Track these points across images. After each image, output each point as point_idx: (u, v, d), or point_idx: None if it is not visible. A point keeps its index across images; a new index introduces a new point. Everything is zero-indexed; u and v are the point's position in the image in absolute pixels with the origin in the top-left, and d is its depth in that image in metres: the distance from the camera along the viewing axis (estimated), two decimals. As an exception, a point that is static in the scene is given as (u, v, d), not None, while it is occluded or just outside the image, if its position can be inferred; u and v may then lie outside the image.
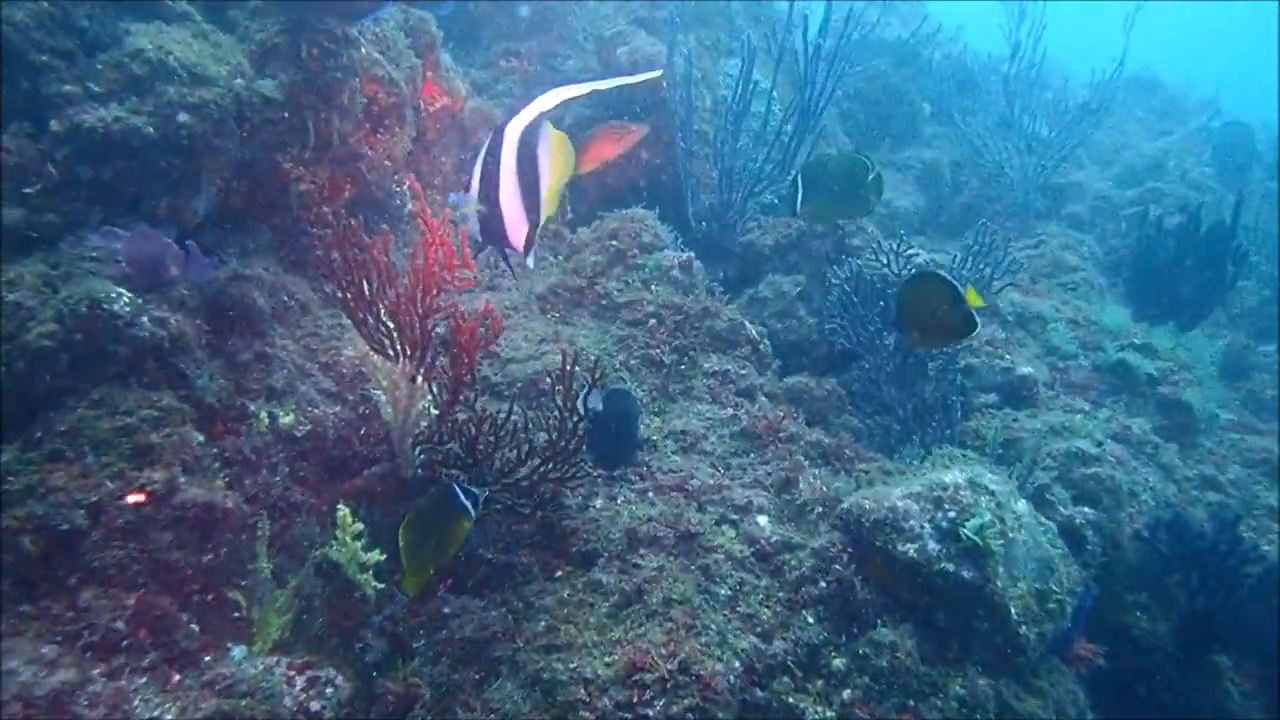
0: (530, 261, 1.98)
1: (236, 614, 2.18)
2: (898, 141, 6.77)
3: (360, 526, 2.17)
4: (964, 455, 2.78)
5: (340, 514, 2.17)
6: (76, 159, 2.48)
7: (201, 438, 2.36)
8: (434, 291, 2.29)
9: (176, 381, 2.35)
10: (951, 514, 2.34)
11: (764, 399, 3.22)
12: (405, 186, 3.65)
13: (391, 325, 2.32)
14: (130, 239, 2.44)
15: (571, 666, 2.08)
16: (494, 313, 2.32)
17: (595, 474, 2.57)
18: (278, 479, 2.46)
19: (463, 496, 2.08)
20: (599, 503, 2.57)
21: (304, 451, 2.56)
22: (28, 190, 2.44)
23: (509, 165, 1.97)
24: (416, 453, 2.51)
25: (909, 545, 2.33)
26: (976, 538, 2.26)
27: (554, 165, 2.07)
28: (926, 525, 2.35)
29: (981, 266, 3.34)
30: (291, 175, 2.99)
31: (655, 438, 2.88)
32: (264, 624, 2.10)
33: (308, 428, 2.58)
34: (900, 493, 2.43)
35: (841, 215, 3.61)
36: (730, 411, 3.05)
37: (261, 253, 2.89)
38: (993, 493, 2.40)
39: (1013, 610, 2.28)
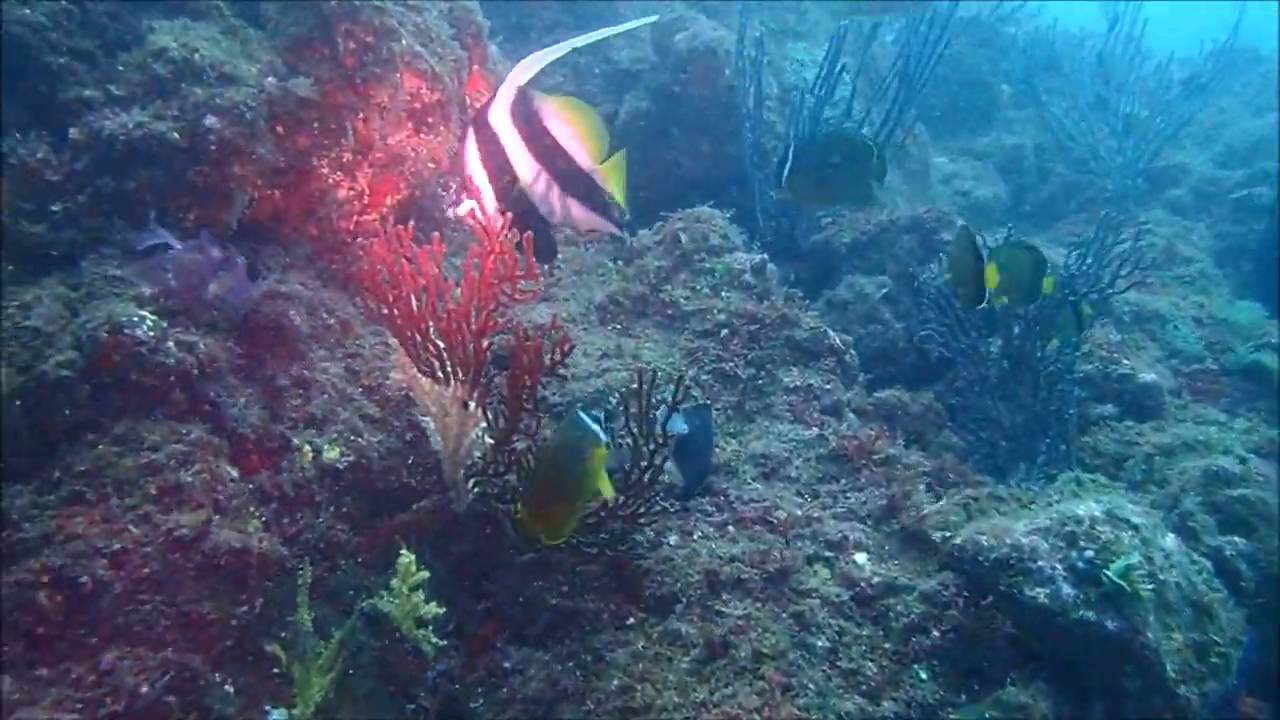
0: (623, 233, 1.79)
1: (276, 670, 2.01)
2: (976, 127, 6.48)
3: (425, 575, 1.99)
4: (1094, 480, 2.51)
5: (403, 562, 1.99)
6: (98, 169, 2.35)
7: (235, 473, 2.21)
8: (491, 306, 2.11)
9: (207, 412, 2.20)
10: (1089, 552, 2.08)
11: (852, 416, 2.98)
12: (453, 189, 3.50)
13: (442, 345, 2.15)
14: (184, 250, 2.31)
15: (653, 736, 1.87)
16: (562, 328, 2.12)
17: (672, 507, 2.37)
18: (320, 518, 2.30)
19: (591, 422, 1.85)
20: (673, 539, 2.36)
21: (347, 485, 2.39)
22: (49, 205, 2.33)
23: (517, 149, 1.78)
24: (470, 485, 2.34)
25: (1039, 590, 2.07)
26: (1122, 581, 2.00)
27: (580, 131, 1.89)
28: (1059, 566, 2.09)
29: (1101, 261, 3.06)
30: (329, 181, 2.85)
31: (733, 462, 2.67)
32: (305, 684, 1.93)
33: (351, 459, 2.41)
34: (1024, 527, 2.18)
35: (836, 199, 3.35)
36: (815, 431, 2.82)
37: (298, 266, 2.74)
38: (1136, 527, 2.14)
39: (1169, 667, 2.01)
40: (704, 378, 2.94)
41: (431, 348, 2.16)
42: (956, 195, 5.70)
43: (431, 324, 2.15)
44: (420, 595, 1.98)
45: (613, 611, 2.20)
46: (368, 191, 2.96)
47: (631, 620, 2.18)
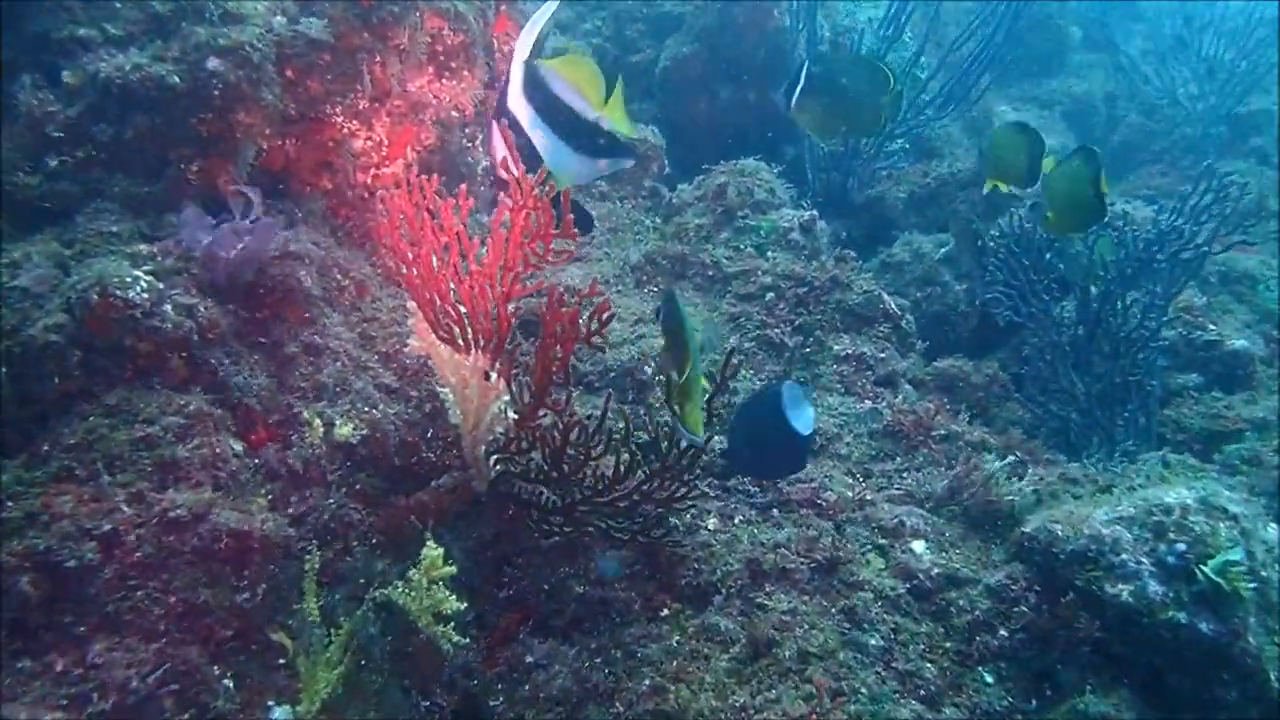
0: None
1: (281, 662, 1.90)
2: (1042, 72, 6.14)
3: (451, 571, 1.85)
4: (1183, 462, 2.29)
5: (430, 555, 1.84)
6: (93, 116, 2.21)
7: (239, 447, 2.08)
8: (519, 268, 1.94)
9: (208, 381, 2.07)
10: (1180, 546, 1.88)
11: (909, 388, 2.78)
12: (478, 141, 3.33)
13: (463, 309, 1.99)
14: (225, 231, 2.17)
15: (688, 744, 1.73)
16: (602, 293, 1.94)
17: (710, 492, 2.20)
18: (331, 497, 2.17)
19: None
20: (711, 522, 2.20)
21: (361, 460, 2.26)
22: (45, 155, 2.20)
23: (537, 128, 1.72)
24: (492, 463, 2.19)
25: (1122, 586, 1.89)
26: (1220, 579, 1.80)
27: (580, 84, 1.80)
28: (1145, 560, 1.90)
29: (1196, 217, 2.80)
30: (344, 130, 2.69)
31: (779, 438, 2.49)
32: (311, 679, 1.81)
33: (364, 431, 2.28)
34: (1104, 515, 1.98)
35: (847, 129, 3.13)
36: (868, 404, 2.63)
37: (310, 223, 2.59)
38: (1234, 516, 1.93)
39: (1272, 676, 1.82)
40: (747, 345, 2.75)
41: (452, 312, 2.00)
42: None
43: (453, 286, 1.99)
44: (441, 589, 1.83)
45: (645, 601, 2.05)
46: (386, 142, 2.80)
47: (666, 612, 2.03)
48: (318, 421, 2.08)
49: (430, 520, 2.20)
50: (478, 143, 3.27)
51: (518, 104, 1.77)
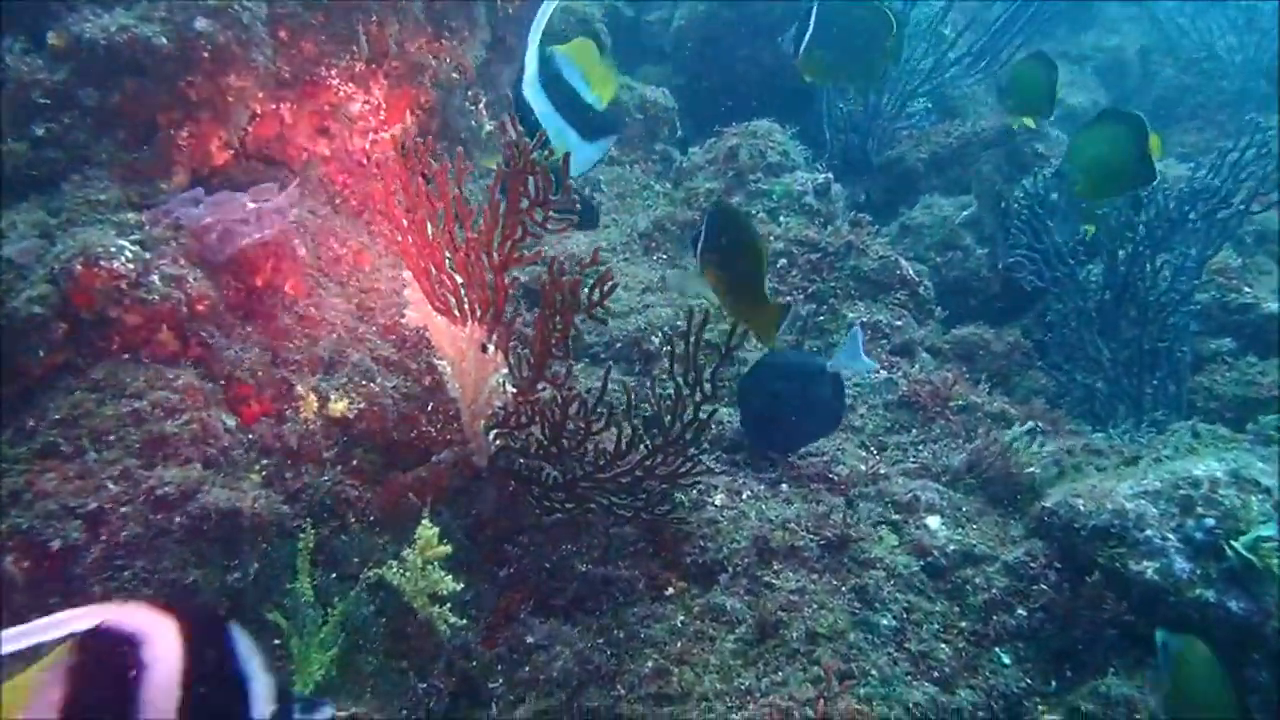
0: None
1: (277, 641, 1.86)
2: (1072, 26, 5.96)
3: (446, 550, 1.81)
4: (1214, 432, 2.20)
5: (425, 534, 1.80)
6: (79, 80, 2.16)
7: (232, 422, 2.04)
8: (516, 234, 1.87)
9: (198, 354, 2.03)
10: (1209, 521, 1.81)
11: (926, 356, 2.70)
12: (481, 105, 3.25)
13: (459, 278, 1.93)
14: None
15: (690, 728, 1.68)
16: (605, 263, 1.87)
17: (717, 467, 2.15)
18: (327, 474, 2.13)
19: None
20: (718, 498, 2.14)
21: (359, 435, 2.21)
22: (32, 120, 2.15)
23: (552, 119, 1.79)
24: (491, 438, 2.14)
25: (1146, 564, 1.81)
26: (1252, 556, 1.73)
27: (586, 70, 1.77)
28: (1171, 536, 1.82)
29: (1235, 175, 2.68)
30: (340, 94, 2.62)
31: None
32: (304, 661, 1.78)
33: (361, 405, 2.23)
34: (1129, 489, 1.90)
35: (848, 76, 3.02)
36: (884, 374, 2.55)
37: (306, 191, 2.54)
38: (1267, 490, 1.85)
39: (1305, 658, 1.75)
40: (759, 313, 2.67)
41: (448, 281, 1.94)
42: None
43: (448, 254, 1.93)
44: (437, 569, 1.79)
45: (649, 580, 2.00)
46: (384, 105, 2.73)
47: (671, 590, 1.98)
48: (312, 396, 2.03)
49: (430, 497, 2.16)
50: (480, 105, 3.19)
51: (534, 94, 1.79)
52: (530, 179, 1.79)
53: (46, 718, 0.85)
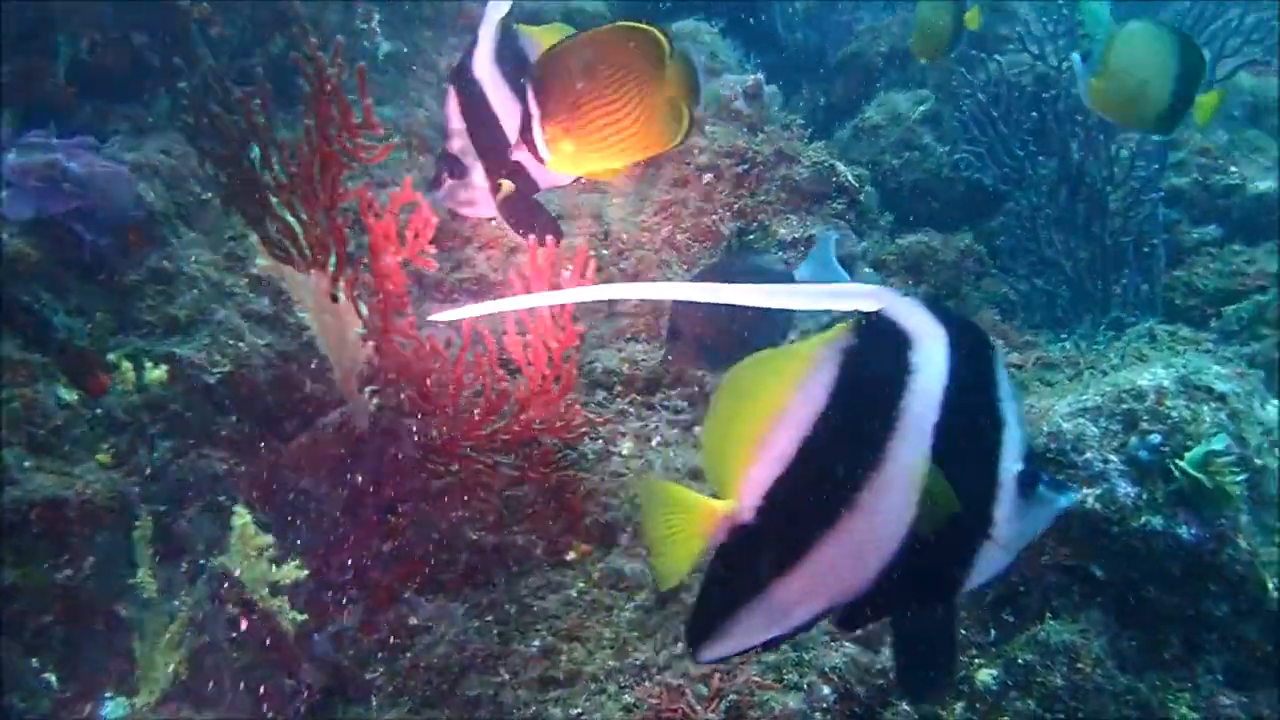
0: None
1: (121, 639, 1.73)
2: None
3: (267, 540, 1.66)
4: (1172, 333, 2.02)
5: (239, 523, 1.65)
6: None
7: (72, 396, 1.89)
8: (338, 169, 1.69)
9: (22, 322, 1.87)
10: (1155, 438, 1.64)
11: (868, 271, 2.51)
12: (374, 22, 3.04)
13: (290, 218, 1.75)
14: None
15: (573, 716, 1.54)
16: (419, 199, 1.69)
17: (605, 415, 1.98)
18: (189, 444, 1.98)
19: None
20: (626, 446, 1.98)
21: (224, 401, 2.06)
22: None
23: (504, 104, 1.61)
24: (368, 396, 1.98)
25: (1087, 491, 1.65)
26: (1200, 474, 1.56)
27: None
28: (1113, 458, 1.66)
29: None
30: (194, 15, 2.42)
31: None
32: (148, 664, 1.65)
33: (227, 367, 2.08)
34: (1066, 407, 1.73)
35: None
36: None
37: (158, 129, 2.35)
38: (1222, 396, 1.67)
39: (1270, 584, 1.59)
40: (680, 238, 2.48)
41: (279, 223, 1.76)
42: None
43: (275, 195, 1.75)
44: (265, 561, 1.64)
45: (549, 544, 1.85)
46: (248, 29, 2.53)
47: (572, 555, 1.83)
48: (126, 364, 1.87)
49: (314, 466, 2.01)
50: (374, 23, 2.98)
51: (484, 69, 1.63)
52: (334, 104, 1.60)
53: (817, 394, 0.85)
